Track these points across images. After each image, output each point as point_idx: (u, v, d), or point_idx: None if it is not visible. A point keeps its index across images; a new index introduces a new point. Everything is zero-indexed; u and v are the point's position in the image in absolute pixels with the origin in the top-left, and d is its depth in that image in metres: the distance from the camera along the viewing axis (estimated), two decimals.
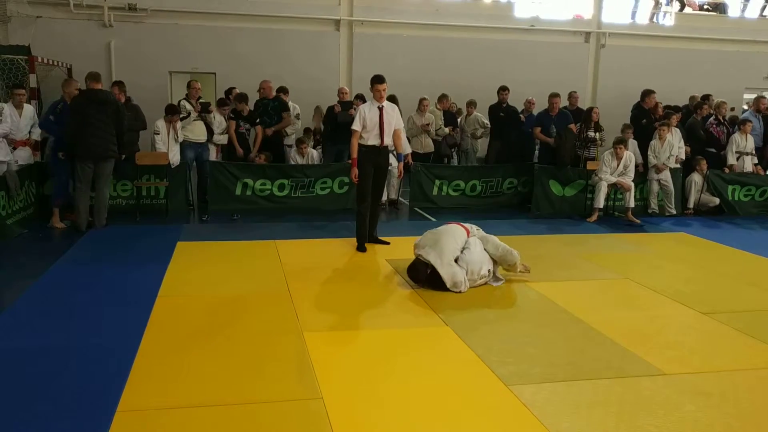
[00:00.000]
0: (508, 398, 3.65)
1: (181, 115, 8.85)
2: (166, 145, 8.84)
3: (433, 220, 8.95)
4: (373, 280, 6.08)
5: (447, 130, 10.67)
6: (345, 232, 7.94)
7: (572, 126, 9.74)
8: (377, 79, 6.82)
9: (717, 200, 9.90)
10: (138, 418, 3.33)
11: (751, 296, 5.74)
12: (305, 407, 3.48)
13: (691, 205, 9.86)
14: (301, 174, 9.41)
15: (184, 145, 9.00)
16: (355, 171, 6.82)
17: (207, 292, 5.46)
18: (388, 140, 6.91)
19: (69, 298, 5.29)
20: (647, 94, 10.23)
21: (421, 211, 9.53)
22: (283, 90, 10.36)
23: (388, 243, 7.17)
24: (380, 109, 6.79)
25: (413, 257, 6.53)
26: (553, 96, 9.88)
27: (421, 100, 10.31)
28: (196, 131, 9.01)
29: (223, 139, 9.52)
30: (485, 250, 5.82)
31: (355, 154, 6.83)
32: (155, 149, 8.85)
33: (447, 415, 3.45)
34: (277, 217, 8.83)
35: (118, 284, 5.65)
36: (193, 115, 8.90)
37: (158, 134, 8.83)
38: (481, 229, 6.09)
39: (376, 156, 6.91)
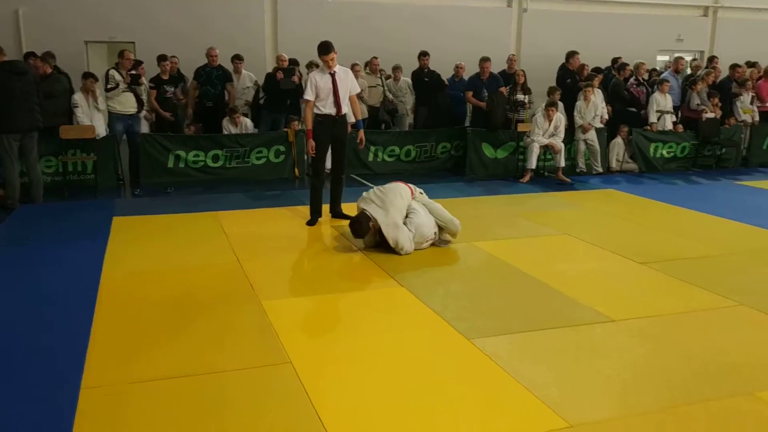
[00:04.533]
0: (472, 351, 3.76)
1: (109, 86, 8.48)
2: (89, 116, 8.48)
3: (372, 186, 8.95)
4: (323, 247, 6.08)
5: (390, 95, 10.63)
6: (284, 200, 7.89)
7: (503, 89, 9.93)
8: (324, 50, 6.33)
9: (636, 167, 10.39)
10: (104, 393, 3.25)
11: (681, 245, 6.08)
12: (275, 372, 3.48)
13: (613, 165, 10.29)
14: (236, 144, 9.24)
15: (113, 117, 8.65)
16: (312, 143, 6.51)
17: (154, 266, 5.32)
18: (345, 108, 6.57)
19: (7, 278, 5.05)
20: (572, 55, 10.54)
21: (358, 178, 9.54)
22: (238, 57, 10.16)
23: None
24: (332, 75, 6.42)
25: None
26: (484, 60, 10.01)
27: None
28: (125, 103, 8.64)
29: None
30: (431, 215, 5.87)
31: (310, 126, 6.53)
32: (78, 123, 8.46)
33: (417, 369, 3.53)
34: (213, 189, 8.66)
35: (58, 262, 5.43)
36: (122, 86, 8.53)
37: (78, 107, 8.46)
38: (425, 194, 6.10)
39: (333, 126, 6.55)
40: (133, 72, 8.69)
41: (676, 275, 5.15)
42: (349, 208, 6.96)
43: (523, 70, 10.19)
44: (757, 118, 11.16)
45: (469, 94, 10.11)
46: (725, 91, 11.06)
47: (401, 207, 5.66)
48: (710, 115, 10.59)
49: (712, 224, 6.97)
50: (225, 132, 9.46)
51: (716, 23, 16.68)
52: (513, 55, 11.15)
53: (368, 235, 5.73)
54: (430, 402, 3.18)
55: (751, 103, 11.17)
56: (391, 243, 5.56)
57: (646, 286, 4.98)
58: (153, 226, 6.65)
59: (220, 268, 5.27)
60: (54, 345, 3.83)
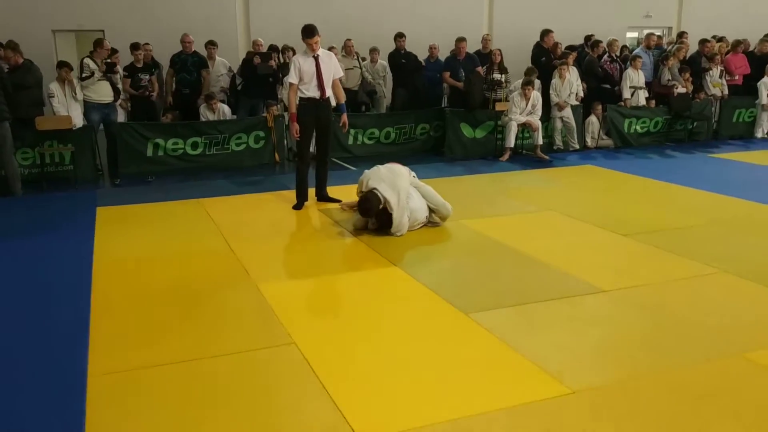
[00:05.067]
0: (471, 325, 3.85)
1: (84, 74, 8.35)
2: (65, 106, 8.35)
3: (353, 169, 9.04)
4: (312, 230, 6.13)
5: (369, 77, 10.63)
6: (268, 185, 7.91)
7: (479, 69, 10.00)
8: (308, 34, 6.34)
9: (611, 143, 10.57)
10: (113, 380, 3.27)
11: (661, 217, 6.24)
12: (281, 353, 3.53)
13: (589, 142, 10.46)
14: (215, 130, 9.18)
15: (88, 107, 8.53)
16: (296, 126, 6.50)
17: (145, 254, 5.31)
18: (329, 91, 6.58)
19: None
20: (546, 33, 10.64)
21: (339, 161, 9.55)
22: (212, 43, 10.12)
23: (339, 201, 6.82)
24: (316, 58, 6.43)
25: (344, 205, 6.60)
26: (460, 40, 10.06)
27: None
28: (101, 92, 8.50)
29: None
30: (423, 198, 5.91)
31: (293, 109, 6.53)
32: (55, 113, 8.35)
33: (420, 343, 3.61)
34: (194, 177, 8.61)
35: (47, 254, 5.39)
36: (98, 74, 8.40)
37: (54, 97, 8.33)
38: (416, 177, 6.14)
39: (316, 109, 6.54)
40: (108, 60, 8.57)
41: (659, 245, 5.30)
42: (335, 192, 7.01)
43: (499, 50, 10.26)
44: (726, 92, 11.41)
45: (447, 74, 10.16)
46: (695, 66, 11.27)
47: (406, 190, 5.69)
48: (682, 90, 10.79)
49: (689, 196, 7.16)
50: (203, 119, 9.40)
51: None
52: (487, 34, 11.24)
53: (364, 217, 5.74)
54: (436, 374, 3.26)
55: (720, 77, 11.41)
56: (394, 226, 5.56)
57: (631, 257, 5.13)
58: (139, 214, 6.62)
59: (213, 254, 5.28)
60: (54, 335, 3.83)
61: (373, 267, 4.96)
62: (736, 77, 11.55)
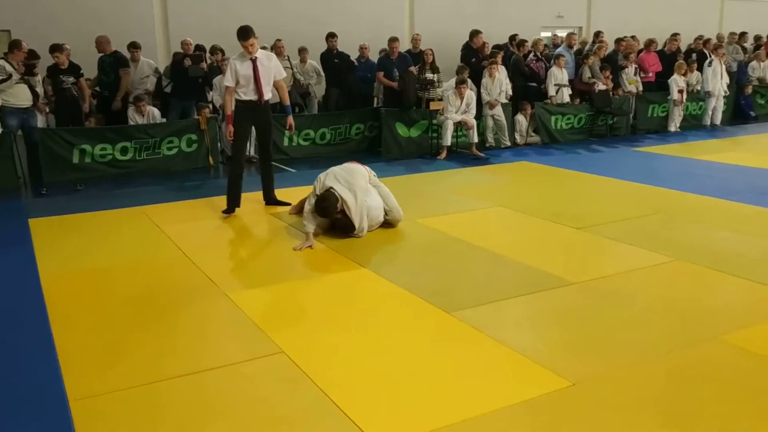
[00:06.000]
0: (457, 324, 3.86)
1: (0, 77, 7.79)
2: None
3: (292, 171, 8.90)
4: (269, 235, 5.98)
5: (301, 78, 10.47)
6: (207, 191, 7.64)
7: (412, 68, 10.06)
8: (242, 36, 6.08)
9: (539, 140, 10.91)
10: (98, 403, 3.06)
11: (605, 210, 6.46)
12: (272, 363, 3.42)
13: (518, 140, 10.74)
14: (144, 134, 8.79)
15: (5, 112, 7.95)
16: (231, 129, 6.32)
17: (96, 267, 5.00)
18: (268, 95, 6.40)
19: None
20: (475, 34, 10.84)
21: (275, 164, 9.33)
22: (134, 46, 9.73)
23: (289, 204, 6.64)
24: (253, 61, 6.20)
25: (292, 208, 6.47)
26: (393, 40, 10.09)
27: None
28: (19, 96, 7.94)
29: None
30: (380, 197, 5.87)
31: (229, 111, 6.34)
32: None
33: (410, 344, 3.60)
34: (126, 183, 8.22)
35: None
36: (15, 77, 7.85)
37: None
38: (375, 176, 6.08)
39: (254, 112, 6.36)
40: (27, 62, 8.02)
41: (611, 237, 5.51)
42: (278, 194, 6.87)
43: (431, 49, 10.34)
44: (641, 88, 11.99)
45: (380, 74, 10.16)
46: (612, 64, 11.78)
47: (363, 189, 5.62)
48: (602, 87, 11.26)
49: (625, 188, 7.48)
50: (131, 122, 8.98)
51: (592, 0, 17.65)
52: (417, 34, 11.32)
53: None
54: (436, 375, 3.25)
55: (635, 74, 11.98)
56: (356, 227, 5.50)
57: (589, 249, 5.30)
58: (78, 225, 6.24)
59: (170, 264, 5.05)
60: (20, 362, 3.55)
61: (341, 269, 4.89)
62: (650, 74, 12.17)
